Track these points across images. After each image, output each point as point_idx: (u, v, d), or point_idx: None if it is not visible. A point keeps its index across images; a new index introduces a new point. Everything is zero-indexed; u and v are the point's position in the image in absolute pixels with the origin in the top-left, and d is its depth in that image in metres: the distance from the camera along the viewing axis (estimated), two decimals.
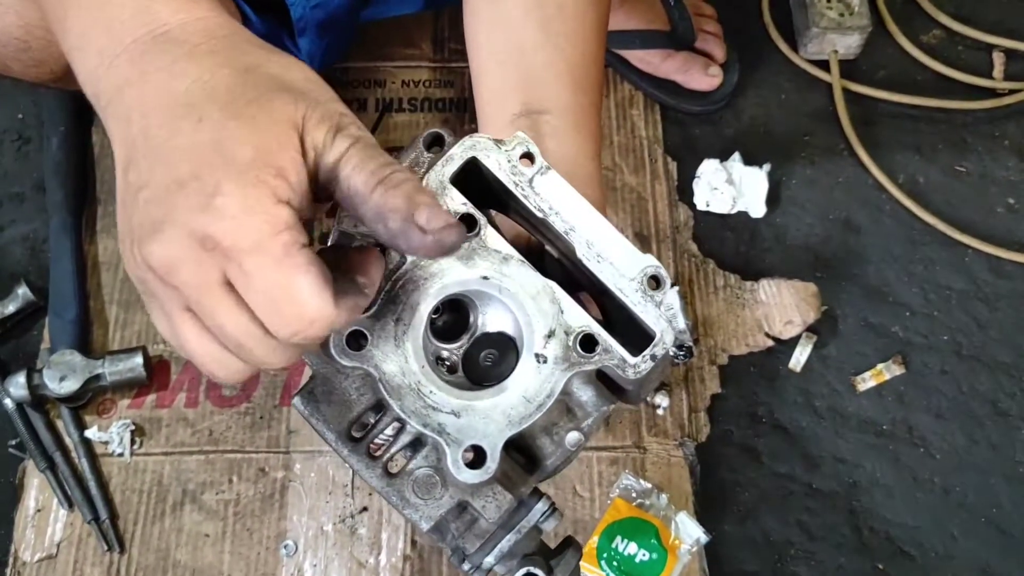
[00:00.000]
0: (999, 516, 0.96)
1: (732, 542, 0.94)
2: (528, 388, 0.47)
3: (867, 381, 1.02)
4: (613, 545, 0.87)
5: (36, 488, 0.94)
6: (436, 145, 0.51)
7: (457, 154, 0.50)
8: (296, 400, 0.49)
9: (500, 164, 0.50)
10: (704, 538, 0.89)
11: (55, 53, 0.70)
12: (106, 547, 0.92)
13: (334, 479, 0.95)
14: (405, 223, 0.41)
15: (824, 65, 1.21)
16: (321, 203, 0.44)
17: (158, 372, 1.00)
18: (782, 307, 1.04)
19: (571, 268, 0.52)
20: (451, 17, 1.21)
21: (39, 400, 0.96)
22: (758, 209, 1.11)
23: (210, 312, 0.41)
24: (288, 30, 0.88)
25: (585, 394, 0.49)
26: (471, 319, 0.50)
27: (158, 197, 0.41)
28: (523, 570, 0.49)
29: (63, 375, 0.95)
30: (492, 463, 0.45)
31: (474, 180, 0.51)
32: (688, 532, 0.89)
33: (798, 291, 1.04)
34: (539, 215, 0.50)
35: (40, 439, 0.96)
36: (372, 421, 0.49)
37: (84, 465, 0.95)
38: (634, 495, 0.92)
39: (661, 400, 0.98)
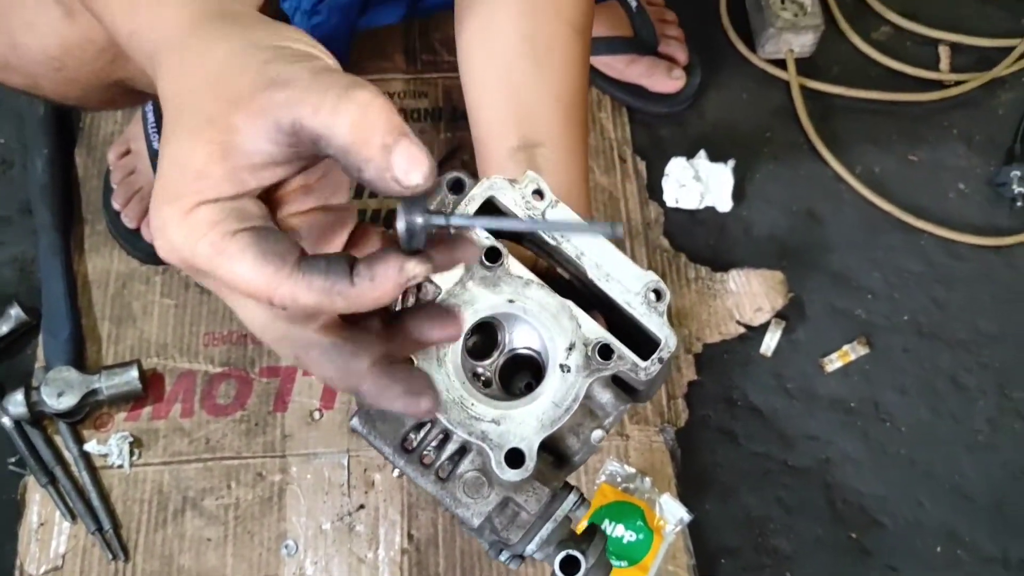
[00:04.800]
0: (962, 483, 1.02)
1: (714, 520, 0.98)
2: (556, 395, 0.54)
3: (834, 362, 1.07)
4: (602, 528, 0.92)
5: (38, 503, 0.96)
6: (457, 187, 0.57)
7: (477, 195, 0.57)
8: (354, 422, 0.55)
9: (515, 201, 0.57)
10: (687, 517, 0.94)
11: (86, 72, 0.73)
12: (111, 556, 0.94)
13: (330, 479, 0.98)
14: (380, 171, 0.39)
15: (781, 64, 1.27)
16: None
17: (153, 384, 1.02)
18: (751, 295, 1.09)
19: (580, 287, 0.58)
20: (422, 29, 1.25)
21: (37, 417, 0.98)
22: (725, 204, 1.15)
23: (226, 298, 0.43)
24: None
25: (604, 396, 0.56)
26: (500, 338, 0.56)
27: (154, 209, 0.42)
28: (563, 553, 0.55)
29: (60, 391, 0.97)
30: (531, 462, 0.51)
31: (492, 215, 0.56)
32: (672, 512, 0.94)
33: (766, 280, 1.09)
34: (552, 243, 0.56)
35: (40, 455, 0.98)
36: (422, 434, 0.54)
37: (85, 478, 0.97)
38: (619, 480, 0.96)
39: None
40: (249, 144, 0.40)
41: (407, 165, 0.38)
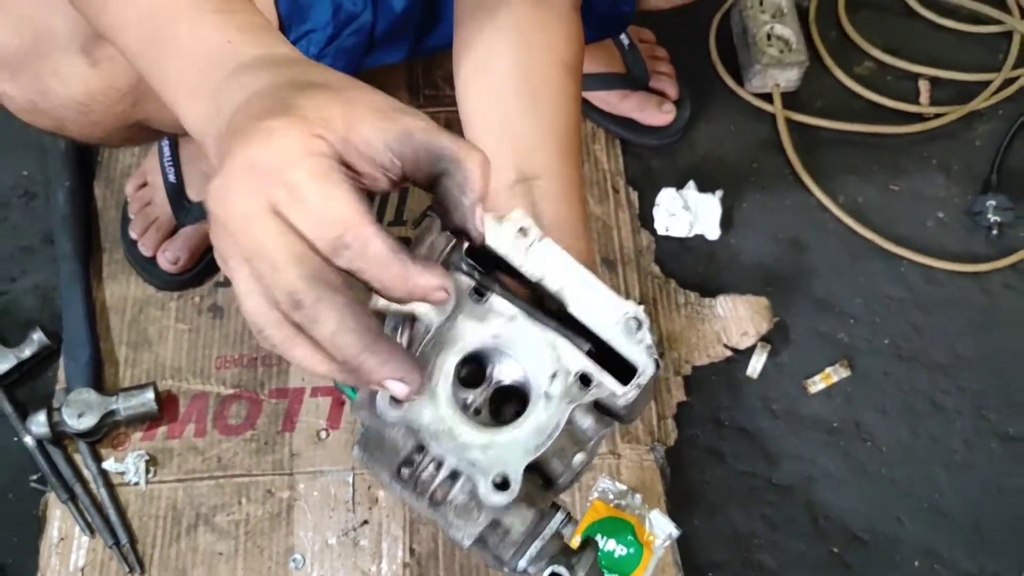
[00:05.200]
0: (940, 501, 1.06)
1: (702, 535, 1.03)
2: (539, 422, 0.57)
3: (817, 384, 1.12)
4: (595, 540, 0.96)
5: (58, 518, 1.01)
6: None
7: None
8: (355, 451, 0.59)
9: (501, 239, 0.60)
10: (676, 533, 0.98)
11: (110, 115, 0.79)
12: (128, 569, 0.99)
13: (336, 496, 1.03)
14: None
15: (768, 98, 1.32)
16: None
17: (167, 406, 1.07)
18: (738, 320, 1.14)
19: (564, 317, 0.63)
20: (424, 67, 1.31)
21: (59, 436, 1.03)
22: (713, 232, 1.21)
23: (252, 238, 0.43)
24: None
25: (586, 422, 0.59)
26: (488, 369, 0.60)
27: (229, 160, 0.44)
28: (549, 570, 0.59)
29: (81, 412, 1.02)
30: (515, 485, 0.55)
31: (483, 250, 0.61)
32: (661, 528, 0.98)
33: (752, 305, 1.15)
34: (533, 280, 0.60)
35: (60, 472, 1.03)
36: (417, 460, 0.59)
37: (103, 495, 1.02)
38: (611, 497, 1.01)
39: None
40: (371, 134, 0.45)
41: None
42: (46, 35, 0.72)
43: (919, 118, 1.32)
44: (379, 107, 0.46)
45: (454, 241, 0.59)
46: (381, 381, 0.46)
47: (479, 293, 0.59)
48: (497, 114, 0.81)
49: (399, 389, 0.47)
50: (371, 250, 0.43)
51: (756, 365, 1.12)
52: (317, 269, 0.43)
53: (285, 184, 0.42)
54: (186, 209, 1.11)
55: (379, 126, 0.45)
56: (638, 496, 1.00)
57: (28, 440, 1.03)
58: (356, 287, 0.45)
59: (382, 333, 0.46)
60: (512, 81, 0.80)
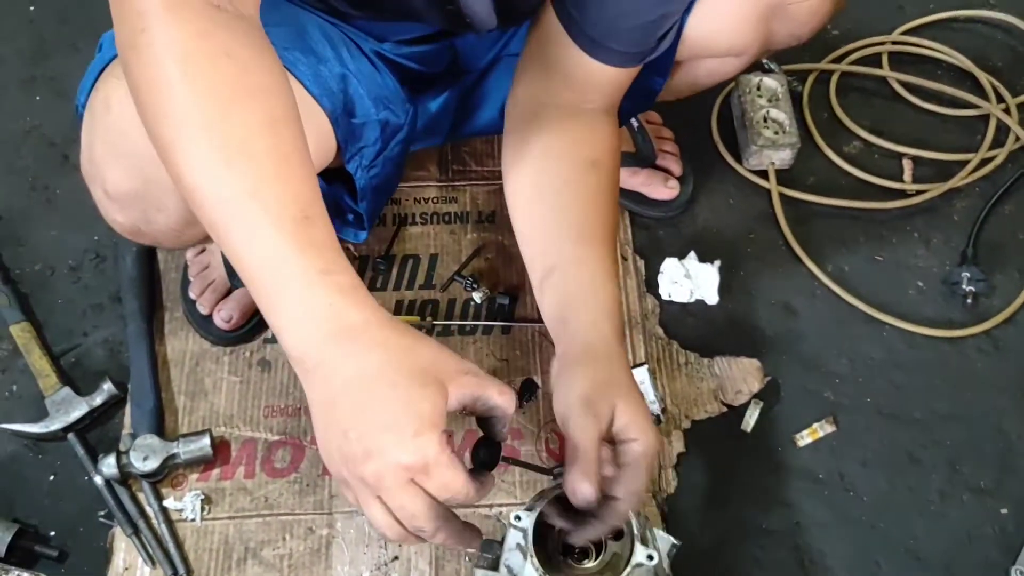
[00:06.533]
0: (915, 546, 1.15)
1: (698, 574, 1.14)
2: None
3: (805, 438, 1.23)
4: None
5: (123, 551, 1.13)
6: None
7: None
8: None
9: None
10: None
11: (200, 235, 0.93)
12: None
13: (370, 535, 1.15)
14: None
15: (764, 175, 1.44)
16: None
17: (221, 450, 1.19)
18: (732, 379, 1.26)
19: None
20: (453, 145, 1.45)
21: (125, 477, 1.15)
22: (712, 298, 1.33)
23: (398, 500, 0.67)
24: (350, 193, 1.06)
25: None
26: None
27: (369, 435, 0.66)
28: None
29: (146, 455, 1.14)
30: None
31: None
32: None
33: (745, 366, 1.26)
34: None
35: (126, 509, 1.15)
36: None
37: (163, 530, 1.14)
38: None
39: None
40: (454, 402, 0.69)
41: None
42: (155, 181, 0.81)
43: (903, 194, 1.43)
44: (462, 374, 0.70)
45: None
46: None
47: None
48: (528, 222, 0.97)
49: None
50: (469, 496, 0.71)
51: (750, 420, 1.24)
52: (441, 514, 0.70)
53: (427, 473, 0.67)
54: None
55: (460, 393, 0.70)
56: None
57: (98, 479, 1.16)
58: None
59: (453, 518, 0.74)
60: (538, 188, 0.96)
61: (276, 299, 0.67)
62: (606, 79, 1.00)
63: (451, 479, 0.67)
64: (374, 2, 0.98)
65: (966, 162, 1.45)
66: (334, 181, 1.05)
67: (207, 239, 0.98)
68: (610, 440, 0.85)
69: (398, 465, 0.65)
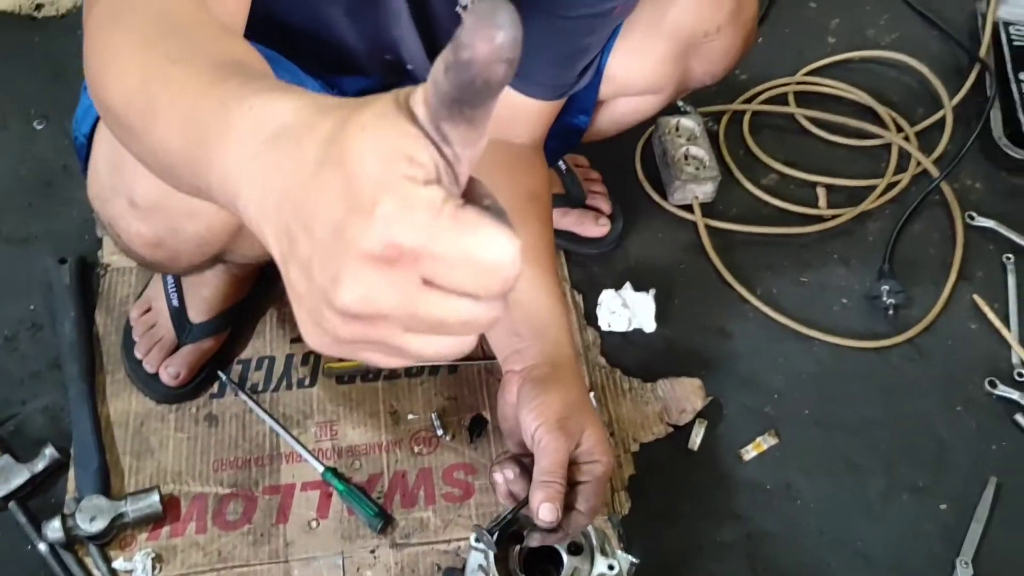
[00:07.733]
0: (862, 547, 1.19)
1: None
2: None
3: (750, 452, 1.27)
4: None
5: None
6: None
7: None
8: None
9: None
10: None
11: (219, 246, 0.91)
12: None
13: None
14: None
15: (689, 208, 1.51)
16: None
17: (170, 507, 1.17)
18: (676, 400, 1.30)
19: None
20: None
21: (71, 540, 1.12)
22: (649, 325, 1.38)
23: (427, 318, 0.41)
24: None
25: None
26: None
27: (326, 252, 0.41)
28: None
29: (92, 516, 1.12)
30: None
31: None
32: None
33: (687, 386, 1.31)
34: None
35: (73, 574, 1.13)
36: None
37: None
38: None
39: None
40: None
41: None
42: None
43: (819, 219, 1.52)
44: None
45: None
46: None
47: None
48: None
49: None
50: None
51: (695, 439, 1.27)
52: (487, 307, 0.42)
53: (431, 255, 0.40)
54: (187, 329, 1.25)
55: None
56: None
57: (42, 546, 1.12)
58: None
59: None
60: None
61: (205, 148, 0.49)
62: (531, 112, 1.06)
63: (468, 244, 0.40)
64: (319, 57, 1.02)
65: (874, 187, 1.55)
66: None
67: (228, 247, 0.92)
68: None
69: (373, 263, 0.40)
